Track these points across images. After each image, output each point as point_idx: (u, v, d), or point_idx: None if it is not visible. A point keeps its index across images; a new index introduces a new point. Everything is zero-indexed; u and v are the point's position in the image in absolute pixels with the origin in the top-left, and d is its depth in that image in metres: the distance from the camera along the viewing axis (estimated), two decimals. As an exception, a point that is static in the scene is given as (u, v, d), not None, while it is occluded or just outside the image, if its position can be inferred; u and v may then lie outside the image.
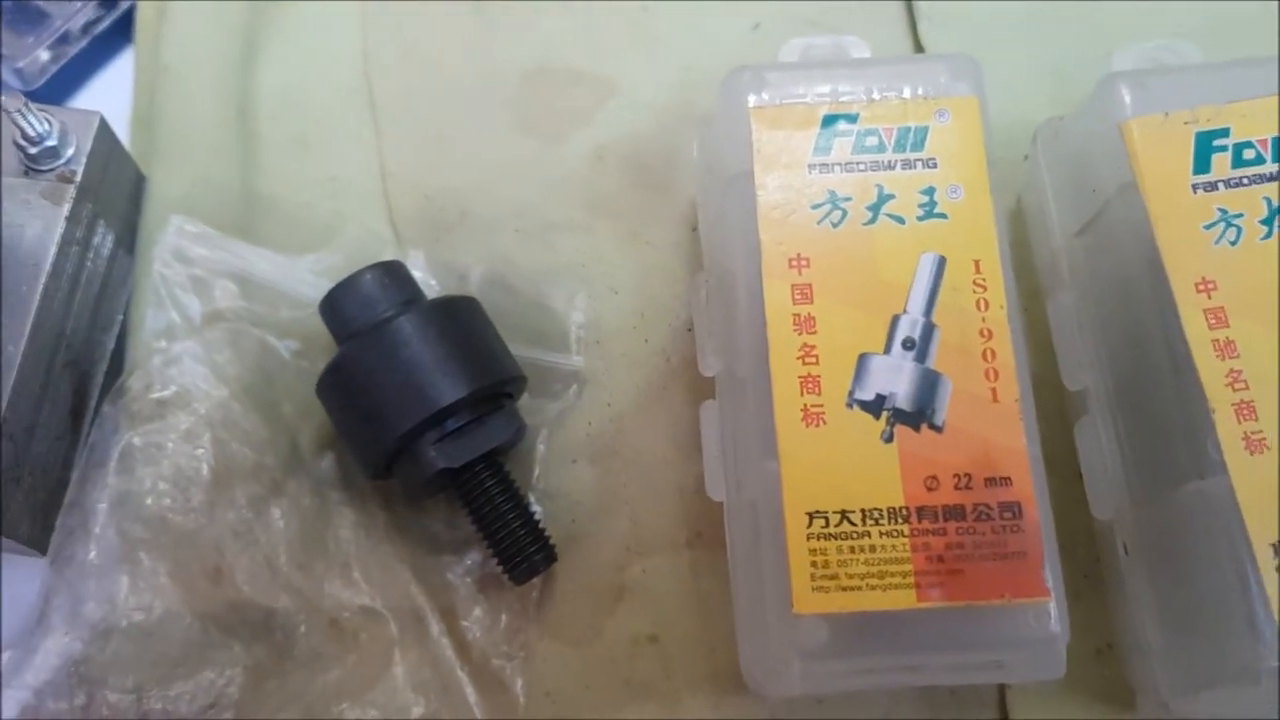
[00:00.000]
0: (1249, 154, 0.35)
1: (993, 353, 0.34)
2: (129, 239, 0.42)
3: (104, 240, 0.41)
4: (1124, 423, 0.36)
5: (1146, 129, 0.35)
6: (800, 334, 0.34)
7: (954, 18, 0.48)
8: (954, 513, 0.32)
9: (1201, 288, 0.33)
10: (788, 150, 0.36)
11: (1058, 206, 0.40)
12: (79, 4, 0.48)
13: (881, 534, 0.32)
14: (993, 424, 0.33)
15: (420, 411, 0.36)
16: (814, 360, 0.34)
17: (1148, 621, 0.35)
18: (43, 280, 0.37)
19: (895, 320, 0.34)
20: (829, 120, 0.36)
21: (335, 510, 0.39)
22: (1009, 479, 0.32)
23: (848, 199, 0.35)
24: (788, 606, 0.31)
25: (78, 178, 0.39)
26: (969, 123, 0.36)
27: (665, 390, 0.42)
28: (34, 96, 0.46)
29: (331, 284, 0.39)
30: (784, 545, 0.32)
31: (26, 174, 0.38)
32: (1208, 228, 0.34)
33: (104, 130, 0.40)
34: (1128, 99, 0.36)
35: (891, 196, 0.35)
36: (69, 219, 0.38)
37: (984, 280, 0.34)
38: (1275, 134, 0.35)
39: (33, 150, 0.38)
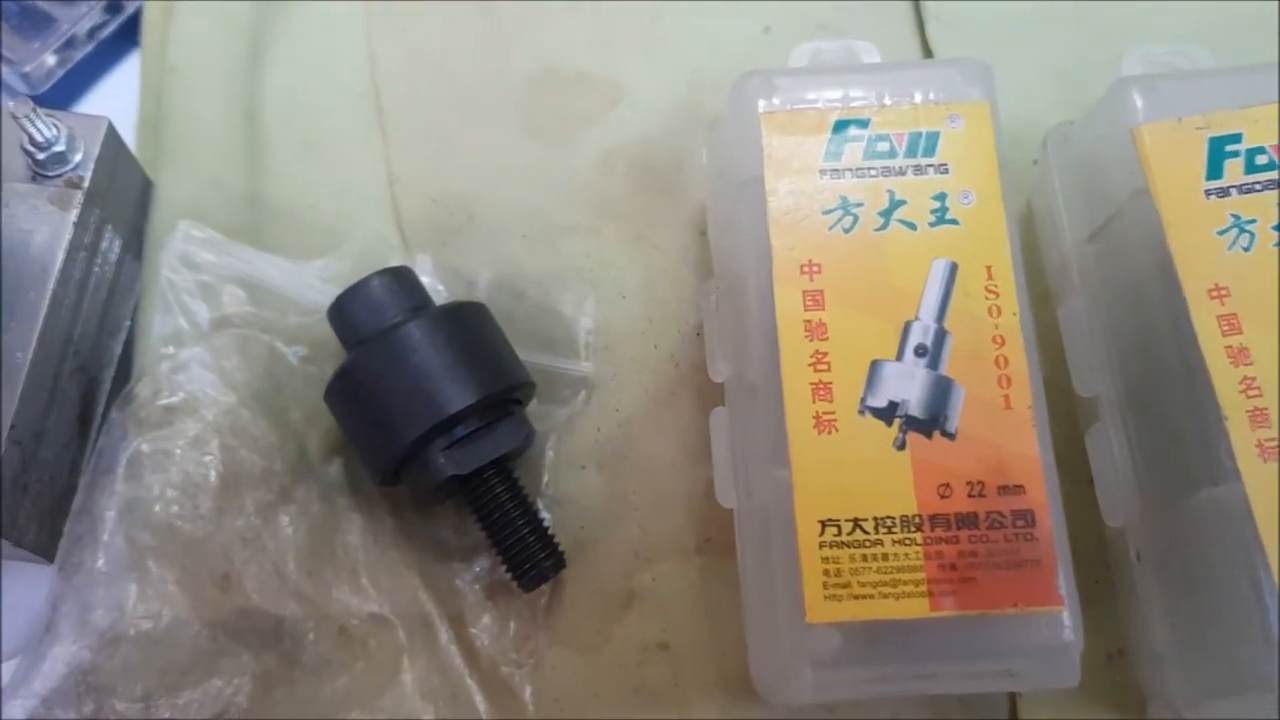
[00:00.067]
0: (1262, 159, 0.35)
1: (1005, 359, 0.33)
2: (136, 244, 0.42)
3: (111, 246, 0.41)
4: (1136, 429, 0.36)
5: (1158, 134, 0.35)
6: (812, 340, 0.34)
7: (962, 20, 0.48)
8: (967, 521, 0.32)
9: (1214, 294, 0.33)
10: (799, 155, 0.36)
11: (1068, 211, 0.40)
12: (85, 8, 0.48)
13: (894, 542, 0.32)
14: (1006, 431, 0.33)
15: (429, 418, 0.36)
16: (825, 367, 0.34)
17: (1160, 628, 0.35)
18: (51, 286, 0.37)
19: (907, 326, 0.34)
20: (840, 125, 0.36)
21: (343, 517, 0.39)
22: (1022, 487, 0.32)
23: (859, 205, 0.35)
24: (800, 615, 0.31)
25: (85, 183, 0.39)
26: (980, 128, 0.36)
27: (674, 396, 0.42)
28: (40, 101, 0.46)
29: (339, 290, 0.39)
30: (796, 553, 0.32)
31: (34, 179, 0.38)
32: (1220, 233, 0.34)
33: (111, 135, 0.40)
34: (1139, 104, 0.36)
35: (903, 202, 0.35)
36: (77, 224, 0.38)
37: (996, 286, 0.34)
38: (1288, 140, 0.35)
39: (40, 156, 0.38)
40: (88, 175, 0.39)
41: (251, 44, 0.47)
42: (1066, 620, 0.31)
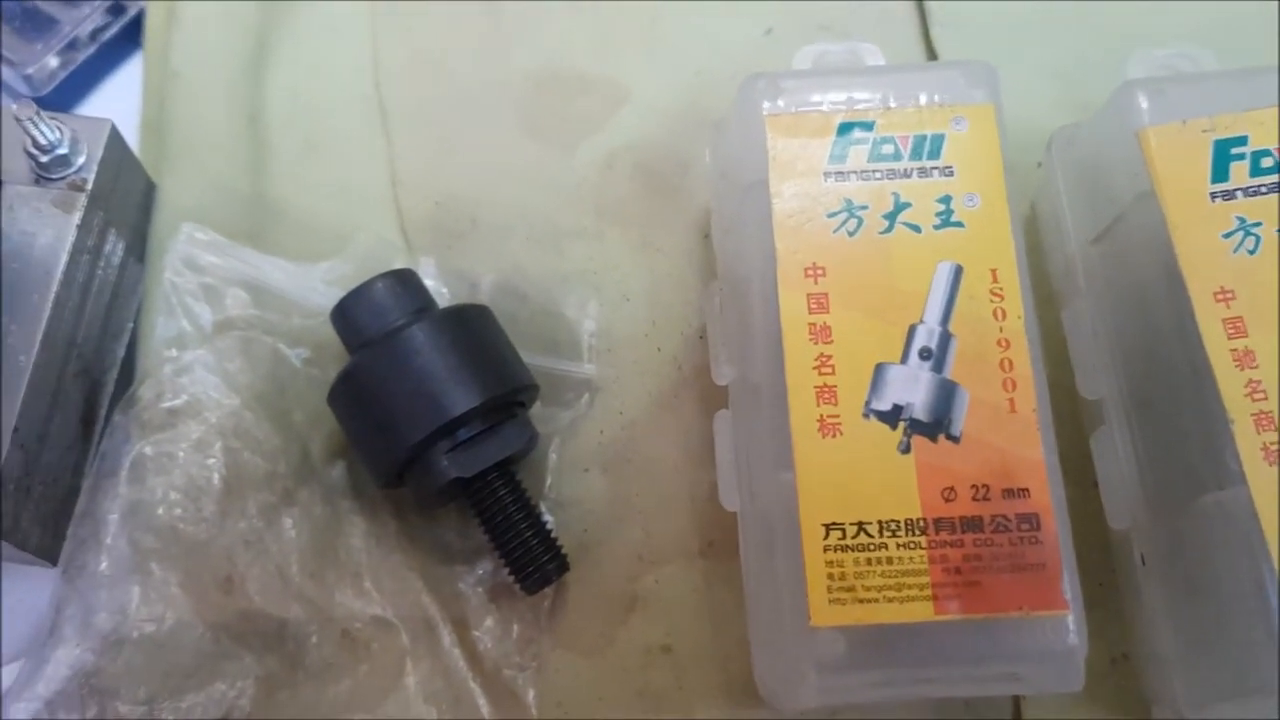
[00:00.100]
0: (1267, 162, 0.35)
1: (1010, 362, 0.33)
2: (140, 247, 0.42)
3: (115, 248, 0.41)
4: (1141, 432, 0.36)
5: (1164, 137, 0.35)
6: (816, 343, 0.34)
7: (966, 21, 0.47)
8: (971, 524, 0.32)
9: (1220, 297, 0.33)
10: (803, 158, 0.36)
11: (1073, 214, 0.40)
12: (88, 10, 0.48)
13: (899, 546, 0.32)
14: (1010, 434, 0.33)
15: (432, 421, 0.36)
16: (830, 370, 0.33)
17: (1164, 632, 0.35)
18: (54, 289, 0.37)
19: (912, 330, 0.34)
20: (845, 128, 0.36)
21: (347, 519, 0.39)
22: (1027, 490, 0.32)
23: (864, 207, 0.35)
24: (804, 618, 0.31)
25: (89, 186, 0.39)
26: (986, 130, 0.36)
27: (677, 398, 0.42)
28: (43, 103, 0.46)
29: (343, 292, 0.39)
30: (800, 557, 0.32)
31: (37, 182, 0.38)
32: (1226, 236, 0.34)
33: (115, 138, 0.40)
34: (1145, 106, 0.36)
35: (908, 205, 0.35)
36: (80, 227, 0.38)
37: (1001, 289, 0.34)
38: (1294, 142, 0.35)
39: (44, 159, 0.38)
40: (91, 178, 0.39)
41: (255, 46, 0.47)
42: (1071, 624, 0.31)
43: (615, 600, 0.39)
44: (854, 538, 0.32)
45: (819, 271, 0.35)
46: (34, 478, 0.37)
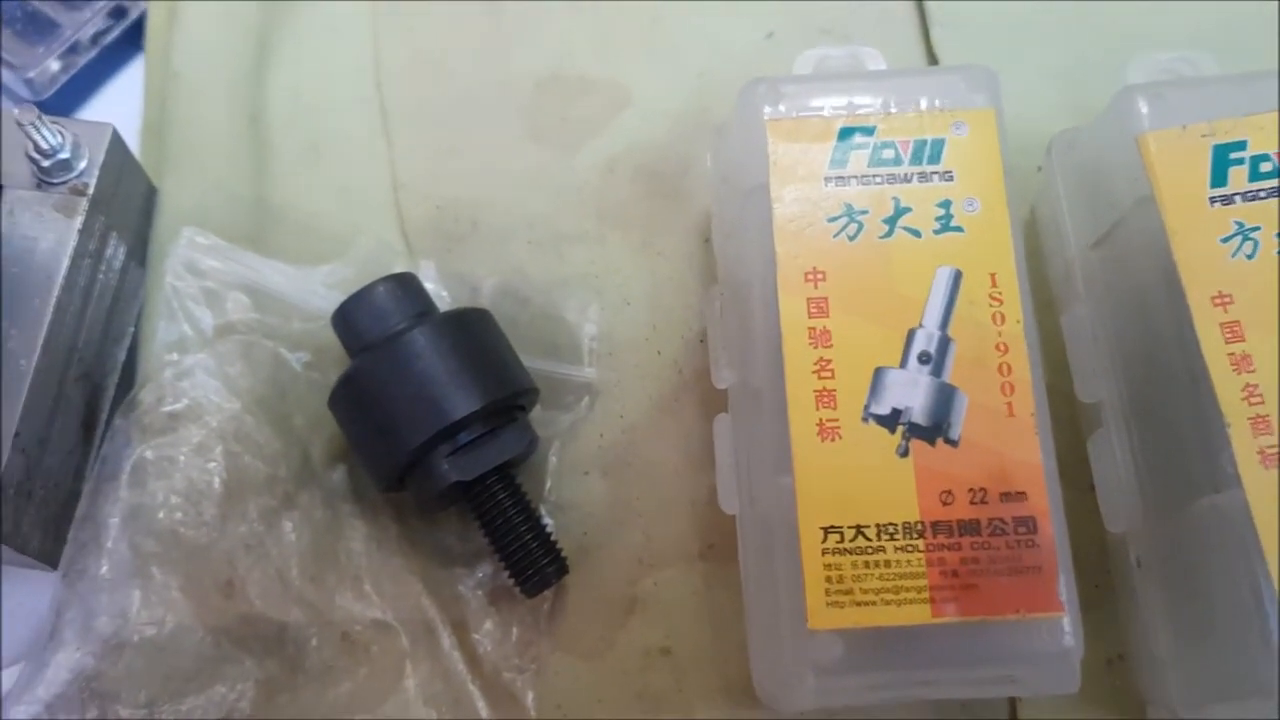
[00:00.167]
0: (1266, 166, 0.35)
1: (1009, 367, 0.33)
2: (141, 251, 0.42)
3: (116, 253, 0.41)
4: (1138, 436, 0.36)
5: (1163, 142, 0.35)
6: (816, 348, 0.34)
7: (967, 25, 0.48)
8: (969, 527, 0.32)
9: (1218, 301, 0.33)
10: (804, 163, 0.36)
11: (1073, 218, 0.40)
12: (89, 14, 0.48)
13: (897, 549, 0.32)
14: (1008, 438, 0.33)
15: (433, 425, 0.36)
16: (829, 374, 0.34)
17: (1160, 634, 0.35)
18: (55, 293, 0.37)
19: (911, 334, 0.34)
20: (845, 133, 0.36)
21: (347, 523, 0.39)
22: (1024, 494, 0.32)
23: (864, 212, 0.35)
24: (802, 621, 0.31)
25: (90, 190, 0.39)
26: (986, 135, 0.36)
27: (677, 402, 0.42)
28: (44, 106, 0.46)
29: (343, 296, 0.39)
30: (798, 560, 0.32)
31: (39, 186, 0.38)
32: (1224, 241, 0.34)
33: (116, 143, 0.40)
34: (1145, 111, 0.36)
35: (908, 209, 0.35)
36: (81, 232, 0.38)
37: (1000, 294, 0.34)
38: (1293, 146, 0.35)
39: (45, 163, 0.38)
40: (92, 182, 0.39)
41: (256, 49, 0.47)
42: (1067, 626, 0.31)
43: (615, 603, 0.39)
44: (852, 541, 0.32)
45: (819, 276, 0.35)
46: (35, 482, 0.37)
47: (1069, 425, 0.39)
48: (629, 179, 0.46)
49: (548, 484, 0.41)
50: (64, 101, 0.48)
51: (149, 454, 0.38)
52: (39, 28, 0.47)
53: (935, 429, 0.33)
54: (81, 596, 0.36)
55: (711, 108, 0.47)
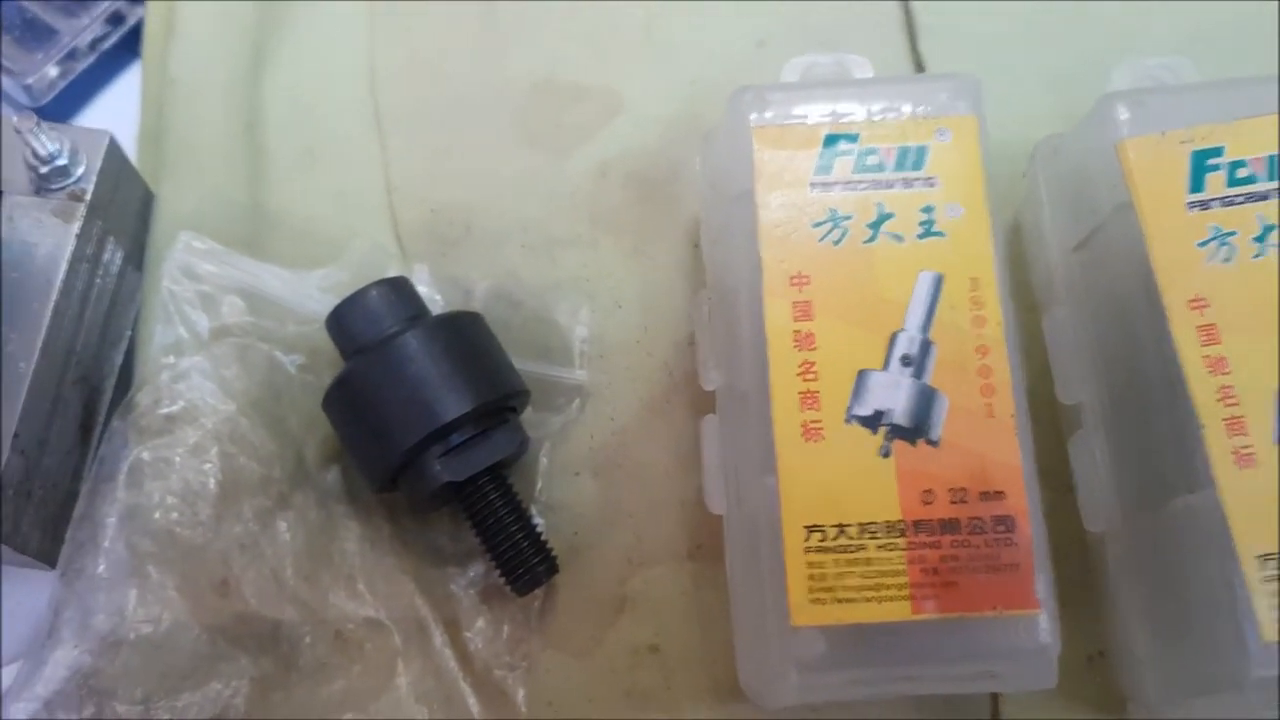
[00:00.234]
0: (1243, 172, 0.36)
1: (989, 369, 0.34)
2: (138, 255, 0.43)
3: (113, 257, 0.41)
4: (1117, 437, 0.37)
5: (1142, 149, 0.36)
6: (800, 350, 0.35)
7: (955, 33, 0.48)
8: (949, 526, 0.33)
9: (1194, 305, 0.34)
10: (790, 169, 0.37)
11: (1055, 223, 0.40)
12: (87, 20, 0.48)
13: (878, 547, 0.32)
14: (988, 439, 0.33)
15: (425, 426, 0.37)
16: (813, 376, 0.34)
17: (1138, 631, 0.35)
18: (54, 297, 0.38)
19: (894, 337, 0.35)
20: (830, 140, 0.37)
21: (341, 523, 0.40)
22: (1003, 493, 0.33)
23: (848, 217, 0.36)
24: (785, 618, 0.32)
25: (88, 196, 0.39)
26: (968, 142, 0.37)
27: (668, 404, 0.43)
28: (42, 112, 0.47)
29: (338, 299, 0.39)
30: (782, 558, 0.32)
31: (38, 193, 0.39)
32: (1201, 245, 0.35)
33: (114, 149, 0.41)
34: (1124, 118, 0.37)
35: (891, 215, 0.36)
36: (79, 237, 0.39)
37: (981, 298, 0.35)
38: (1270, 153, 0.36)
39: (44, 169, 0.39)
40: (90, 188, 0.39)
41: (252, 55, 0.48)
42: (1044, 623, 0.32)
43: (604, 602, 0.40)
44: (834, 539, 0.32)
45: (804, 280, 0.35)
46: (33, 482, 0.38)
47: (1051, 426, 0.40)
48: (621, 184, 0.46)
49: (539, 484, 0.41)
50: (62, 107, 0.49)
51: (146, 455, 0.38)
52: (38, 34, 0.48)
53: (917, 430, 0.34)
54: (79, 595, 0.37)
55: (703, 114, 0.47)
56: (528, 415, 0.42)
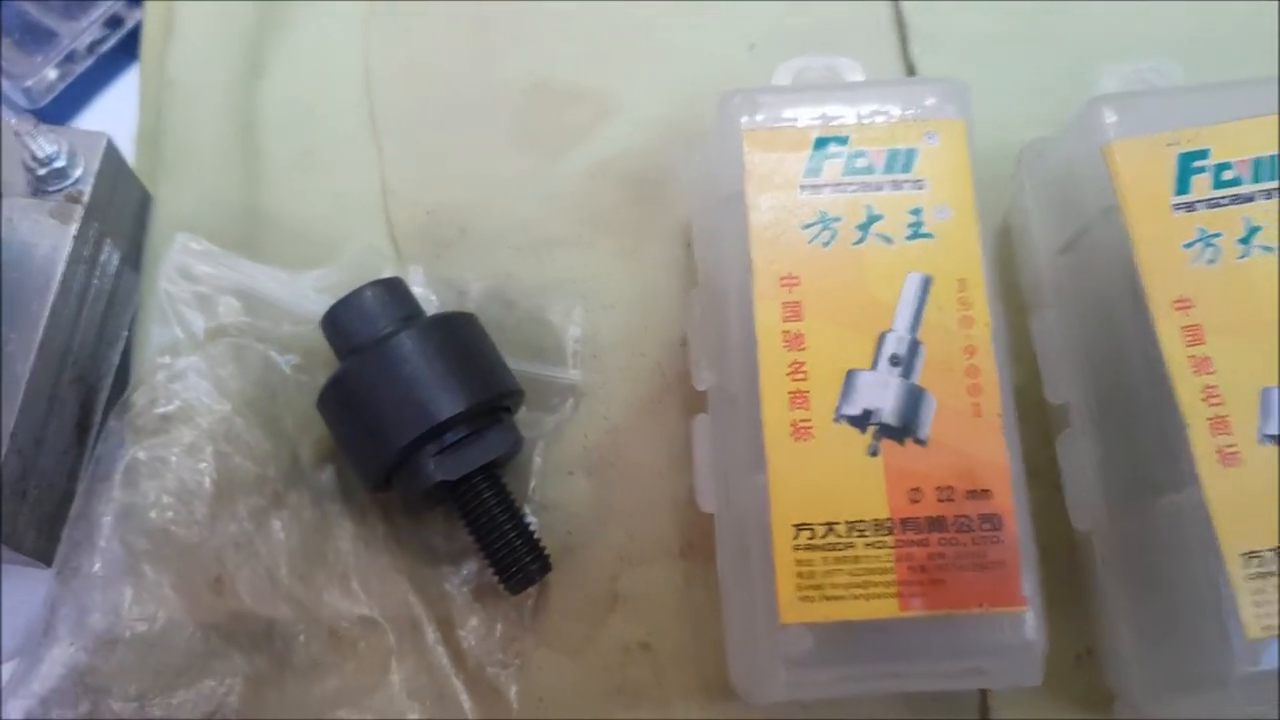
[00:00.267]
0: (1228, 174, 0.36)
1: (976, 369, 0.34)
2: (135, 256, 0.43)
3: (110, 258, 0.42)
4: (1104, 436, 0.37)
5: (1129, 152, 0.36)
6: (790, 351, 0.35)
7: (945, 37, 0.48)
8: (936, 524, 0.33)
9: (1179, 305, 0.34)
10: (780, 171, 0.37)
11: (1042, 225, 0.41)
12: (86, 23, 0.49)
13: (866, 545, 0.33)
14: (975, 438, 0.34)
15: (419, 425, 0.37)
16: (803, 376, 0.35)
17: (1125, 629, 0.36)
18: (51, 298, 0.38)
19: (882, 337, 0.35)
20: (820, 143, 0.37)
21: (335, 522, 0.40)
22: (990, 491, 0.33)
23: (838, 219, 0.36)
24: (774, 616, 0.32)
25: (85, 198, 0.40)
26: (956, 145, 0.37)
27: (660, 404, 0.43)
28: (41, 114, 0.48)
29: (333, 300, 0.40)
30: (771, 556, 0.33)
31: (35, 194, 0.39)
32: (1187, 247, 0.35)
33: (111, 151, 0.41)
34: (1110, 121, 0.37)
35: (880, 217, 0.36)
36: (77, 238, 0.39)
37: (968, 299, 0.35)
38: (1255, 155, 0.36)
39: (41, 171, 0.39)
40: (87, 190, 0.40)
41: (249, 57, 0.48)
42: (1030, 620, 0.32)
43: (597, 600, 0.40)
44: (823, 537, 0.33)
45: (793, 281, 0.36)
46: (30, 482, 0.38)
47: (1040, 426, 0.40)
48: (615, 186, 0.47)
49: (532, 483, 0.42)
50: (61, 109, 0.49)
51: (141, 455, 0.39)
52: (37, 37, 0.48)
53: (905, 429, 0.34)
54: (75, 593, 0.37)
55: (696, 117, 0.47)
56: (521, 415, 0.42)
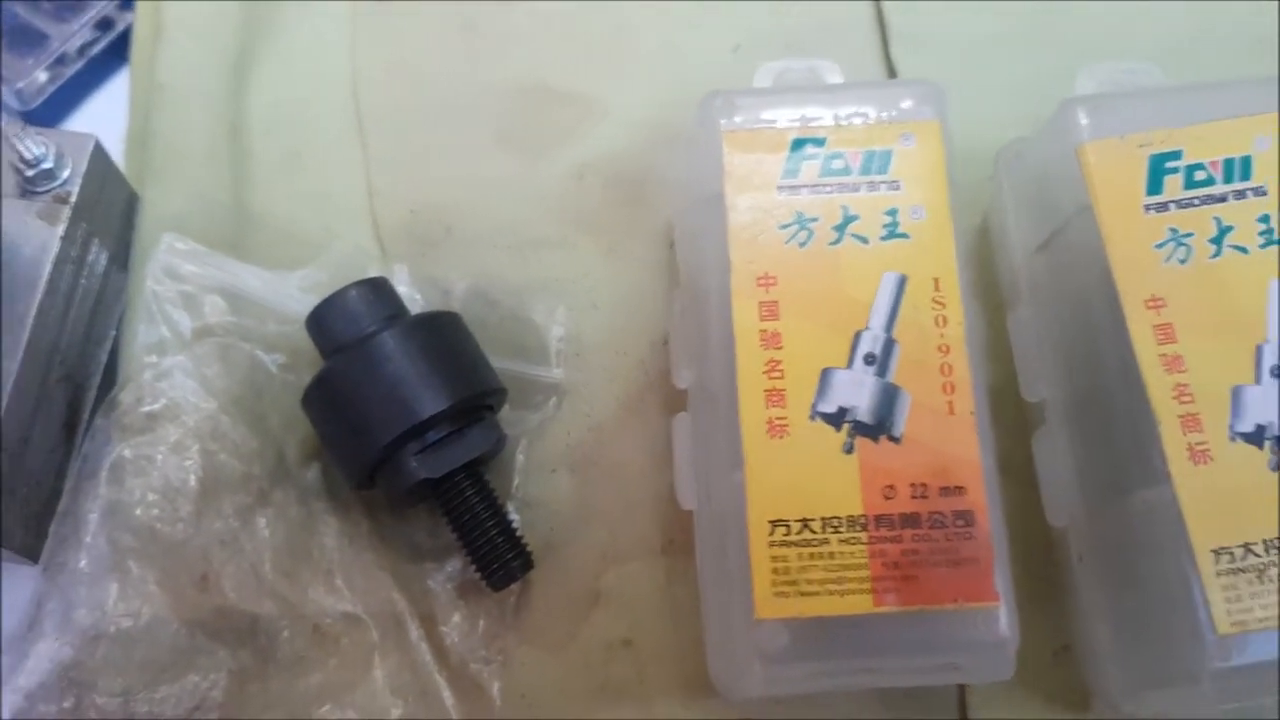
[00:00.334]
0: (1200, 175, 0.36)
1: (950, 367, 0.35)
2: (123, 256, 0.44)
3: (98, 258, 0.42)
4: (1078, 433, 0.37)
5: (1102, 152, 0.37)
6: (767, 349, 0.35)
7: (927, 39, 0.49)
8: (910, 521, 0.33)
9: (1151, 304, 0.35)
10: (758, 173, 0.37)
11: (1019, 225, 0.41)
12: (77, 26, 0.49)
13: (840, 541, 0.33)
14: (949, 435, 0.34)
15: (402, 423, 0.37)
16: (779, 374, 0.35)
17: (1100, 625, 0.36)
18: (38, 297, 0.38)
19: (858, 336, 0.35)
20: (798, 144, 0.38)
21: (320, 519, 0.40)
22: (963, 488, 0.34)
23: (814, 220, 0.37)
24: (750, 611, 0.33)
25: (73, 198, 0.40)
26: (931, 146, 0.38)
27: (642, 402, 0.44)
28: (31, 116, 0.48)
29: (318, 299, 0.40)
30: (747, 552, 0.33)
31: (23, 195, 0.40)
32: (1159, 247, 0.36)
33: (99, 152, 0.41)
34: (1084, 123, 0.38)
35: (856, 217, 0.37)
36: (64, 238, 0.39)
37: (943, 298, 0.36)
38: (1226, 156, 0.37)
39: (29, 173, 0.39)
40: (75, 191, 0.40)
41: (238, 60, 0.49)
42: (1003, 616, 0.33)
43: (579, 597, 0.41)
44: (798, 534, 0.33)
45: (771, 280, 0.36)
46: (18, 479, 0.38)
47: (1016, 423, 0.41)
48: (599, 187, 0.47)
49: (515, 481, 0.42)
50: (51, 111, 0.50)
51: (127, 452, 0.39)
52: (28, 40, 0.49)
53: (879, 427, 0.34)
54: (61, 589, 0.38)
55: (680, 118, 0.47)
56: (505, 413, 0.42)
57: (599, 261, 0.46)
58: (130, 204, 0.45)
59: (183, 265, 0.42)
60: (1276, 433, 0.33)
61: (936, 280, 0.36)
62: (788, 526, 0.33)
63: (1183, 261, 0.35)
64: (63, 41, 0.49)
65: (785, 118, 0.38)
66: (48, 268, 0.39)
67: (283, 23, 0.50)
